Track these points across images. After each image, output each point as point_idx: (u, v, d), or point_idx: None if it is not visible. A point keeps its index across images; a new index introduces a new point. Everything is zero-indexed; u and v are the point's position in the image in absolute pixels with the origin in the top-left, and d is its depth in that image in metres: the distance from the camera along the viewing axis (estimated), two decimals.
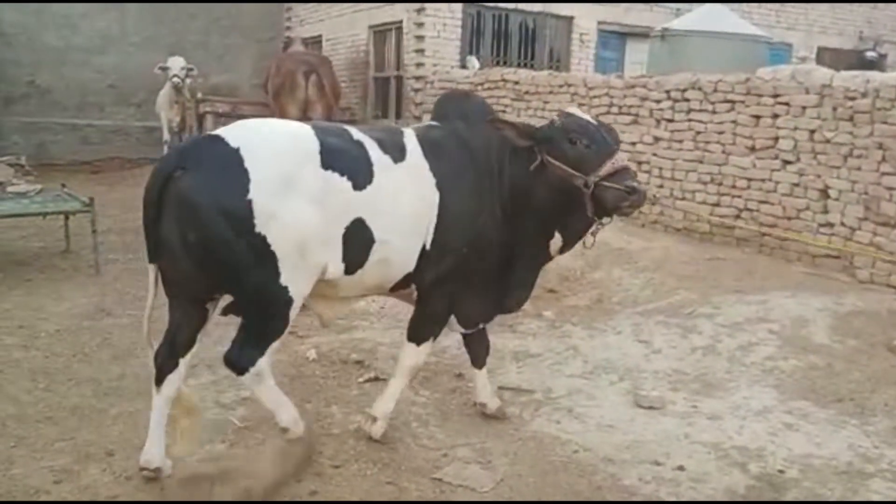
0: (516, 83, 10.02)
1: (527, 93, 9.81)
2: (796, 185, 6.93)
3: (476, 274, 3.87)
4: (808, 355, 5.11)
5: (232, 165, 3.23)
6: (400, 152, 3.68)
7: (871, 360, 5.07)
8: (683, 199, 7.89)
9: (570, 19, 13.11)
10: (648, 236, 7.88)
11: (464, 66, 11.99)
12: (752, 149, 7.29)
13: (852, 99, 6.30)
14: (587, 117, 3.79)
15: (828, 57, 15.49)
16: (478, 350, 4.31)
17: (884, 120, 6.14)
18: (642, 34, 12.35)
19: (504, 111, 10.14)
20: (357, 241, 3.49)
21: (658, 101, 8.09)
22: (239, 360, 3.41)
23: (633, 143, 8.32)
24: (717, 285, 6.44)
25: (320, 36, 15.11)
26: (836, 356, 5.11)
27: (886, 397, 4.55)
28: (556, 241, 3.91)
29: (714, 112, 7.53)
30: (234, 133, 3.37)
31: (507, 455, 3.84)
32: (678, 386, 4.77)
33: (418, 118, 11.98)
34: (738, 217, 7.42)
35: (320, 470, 3.60)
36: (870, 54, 15.65)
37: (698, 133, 7.70)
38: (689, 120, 7.79)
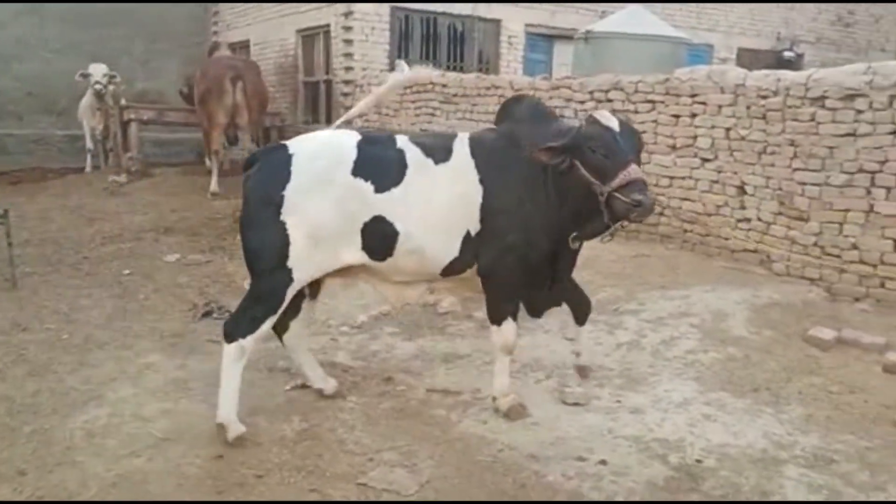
0: (445, 86, 10.07)
1: (455, 95, 9.87)
2: (715, 181, 7.12)
3: (531, 260, 4.22)
4: (727, 347, 5.26)
5: (281, 167, 4.08)
6: (445, 154, 4.23)
7: (787, 350, 5.24)
8: None
9: (498, 22, 13.23)
10: None
11: (393, 70, 11.98)
12: (673, 147, 7.46)
13: (765, 97, 6.50)
14: (611, 123, 3.96)
15: (747, 57, 15.97)
16: (578, 309, 4.68)
17: (794, 117, 6.36)
18: (569, 36, 12.53)
19: (433, 114, 10.20)
20: (377, 234, 4.11)
21: (582, 102, 8.22)
22: (233, 329, 4.06)
23: None
24: (642, 282, 6.58)
25: (248, 40, 14.94)
26: (753, 347, 5.26)
27: (800, 386, 4.71)
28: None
29: (636, 112, 7.68)
30: (296, 142, 4.27)
31: (433, 457, 3.85)
32: (603, 382, 4.85)
33: (348, 122, 11.93)
34: (661, 214, 7.59)
35: (242, 480, 3.56)
36: (787, 54, 16.20)
37: None
38: None
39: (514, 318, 4.38)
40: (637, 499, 3.53)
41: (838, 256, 6.14)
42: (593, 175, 3.89)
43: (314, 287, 4.47)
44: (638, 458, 3.86)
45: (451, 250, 4.20)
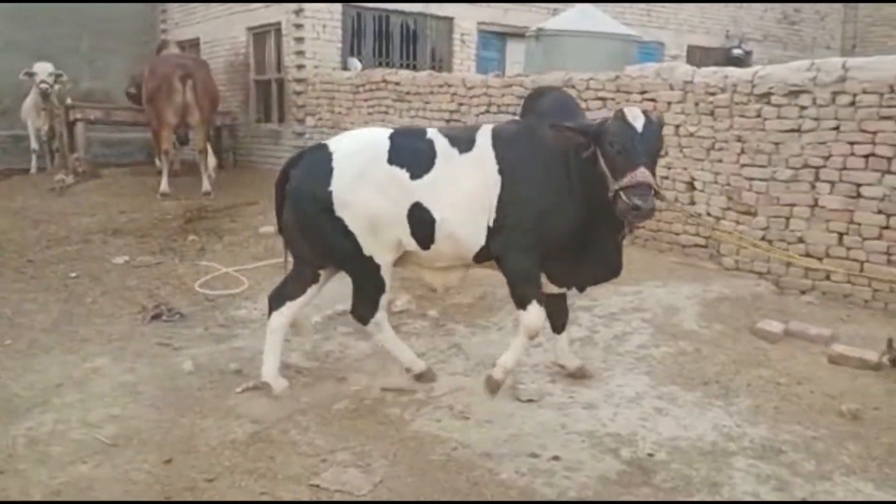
0: (398, 84, 10.03)
1: (408, 93, 9.84)
2: (665, 177, 7.20)
3: (553, 245, 4.34)
4: (678, 341, 5.32)
5: (324, 165, 4.42)
6: (468, 144, 4.43)
7: (736, 343, 5.33)
8: None
9: (451, 20, 13.22)
10: None
11: (346, 68, 11.92)
12: None
13: (712, 94, 6.60)
14: (636, 122, 3.98)
15: (697, 54, 16.20)
16: (557, 317, 4.82)
17: (741, 114, 6.46)
18: (521, 34, 12.56)
19: (386, 112, 10.16)
20: (419, 221, 4.38)
21: None
22: (360, 314, 4.65)
23: None
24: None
25: (198, 38, 14.70)
26: (703, 341, 5.34)
27: (749, 378, 4.78)
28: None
29: (587, 109, 7.69)
30: (334, 140, 4.63)
31: (386, 457, 3.83)
32: (556, 378, 4.87)
33: (301, 120, 11.84)
34: None
35: (192, 484, 3.51)
36: (736, 51, 16.47)
37: None
38: None
39: (540, 303, 4.42)
40: (590, 493, 3.54)
41: (785, 250, 6.26)
42: (609, 169, 4.00)
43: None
44: (591, 453, 3.88)
45: (480, 238, 4.39)
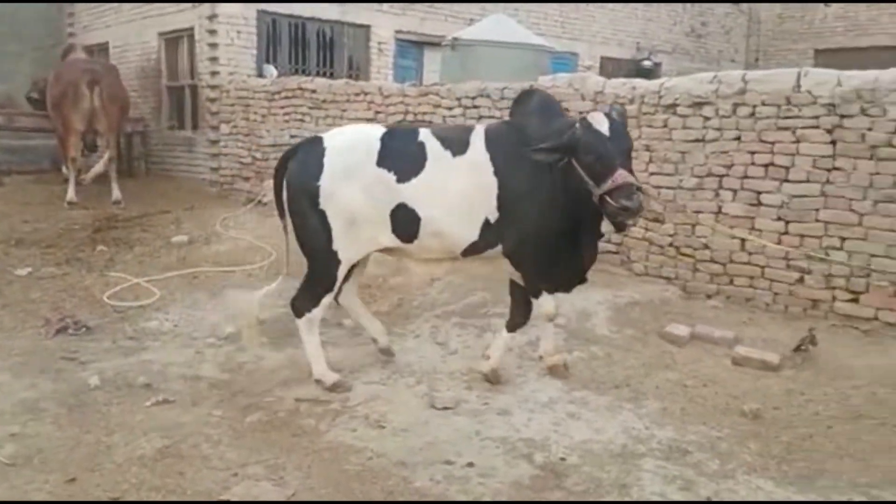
0: (314, 92, 9.95)
1: (324, 101, 9.78)
2: None
3: (550, 241, 4.60)
4: (591, 346, 5.43)
5: (317, 158, 4.65)
6: (462, 147, 4.65)
7: (646, 347, 5.47)
8: None
9: (368, 28, 13.19)
10: None
11: (261, 75, 11.76)
12: None
13: (622, 104, 6.75)
14: (602, 127, 4.26)
15: (610, 65, 16.61)
16: (517, 316, 5.01)
17: (649, 124, 6.65)
18: (438, 43, 12.65)
19: (302, 120, 10.07)
20: (402, 219, 4.62)
21: (450, 108, 8.31)
22: (298, 305, 4.86)
23: None
24: (507, 284, 6.69)
25: (107, 43, 14.26)
26: (614, 346, 5.46)
27: (657, 381, 4.91)
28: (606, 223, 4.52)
29: (503, 119, 7.82)
30: (329, 135, 4.86)
31: (300, 469, 3.79)
32: (472, 385, 4.91)
33: (215, 128, 11.63)
34: None
35: None
36: (646, 63, 16.95)
37: None
38: None
39: (550, 291, 4.81)
40: (503, 499, 3.58)
41: (692, 256, 6.46)
42: (588, 176, 4.24)
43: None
44: (504, 459, 3.93)
45: (471, 234, 4.65)
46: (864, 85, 5.46)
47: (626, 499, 3.57)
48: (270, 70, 11.80)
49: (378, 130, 4.80)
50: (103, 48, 14.28)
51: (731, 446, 4.07)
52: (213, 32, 11.56)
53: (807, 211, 5.78)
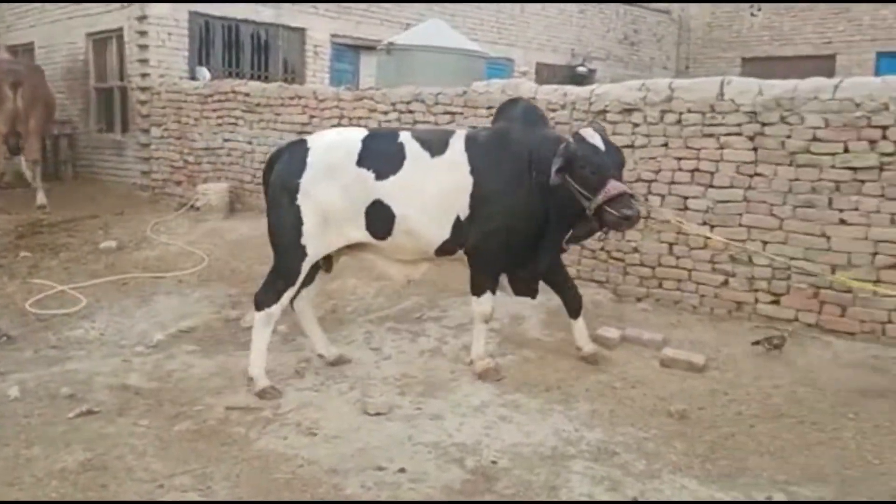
0: (247, 95, 9.83)
1: (258, 105, 9.67)
2: None
3: (514, 244, 4.86)
4: (523, 350, 5.49)
5: (300, 158, 4.88)
6: (441, 148, 4.88)
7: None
8: None
9: (303, 31, 13.08)
10: None
11: (193, 77, 11.56)
12: None
13: (554, 110, 6.86)
14: (595, 141, 4.55)
15: (545, 71, 16.82)
16: (572, 303, 5.33)
17: None
18: (374, 47, 12.64)
19: (236, 124, 9.94)
20: (377, 216, 4.83)
21: (385, 113, 8.30)
22: (261, 299, 4.92)
23: None
24: (444, 289, 6.72)
25: (32, 43, 13.83)
26: (547, 349, 5.53)
27: (588, 383, 4.98)
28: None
29: (437, 123, 7.86)
30: (313, 137, 5.16)
31: (228, 478, 3.74)
32: (405, 390, 4.91)
33: (146, 131, 11.39)
34: None
35: None
36: (580, 69, 17.21)
37: None
38: None
39: (493, 292, 5.05)
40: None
41: (622, 260, 6.58)
42: (582, 188, 4.49)
43: (328, 261, 5.27)
44: (436, 464, 3.94)
45: (443, 233, 4.87)
46: (784, 94, 5.64)
47: (555, 500, 3.62)
48: (203, 72, 11.62)
49: (360, 132, 5.06)
50: (28, 48, 13.85)
51: (658, 446, 4.15)
52: (143, 34, 11.32)
53: (731, 215, 5.94)
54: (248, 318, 6.27)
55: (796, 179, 5.63)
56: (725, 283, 6.00)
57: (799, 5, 18.12)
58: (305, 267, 4.91)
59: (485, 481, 3.78)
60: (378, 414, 4.52)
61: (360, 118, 8.55)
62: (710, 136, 5.98)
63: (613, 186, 4.39)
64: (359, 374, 5.18)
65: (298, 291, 5.12)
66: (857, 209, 5.38)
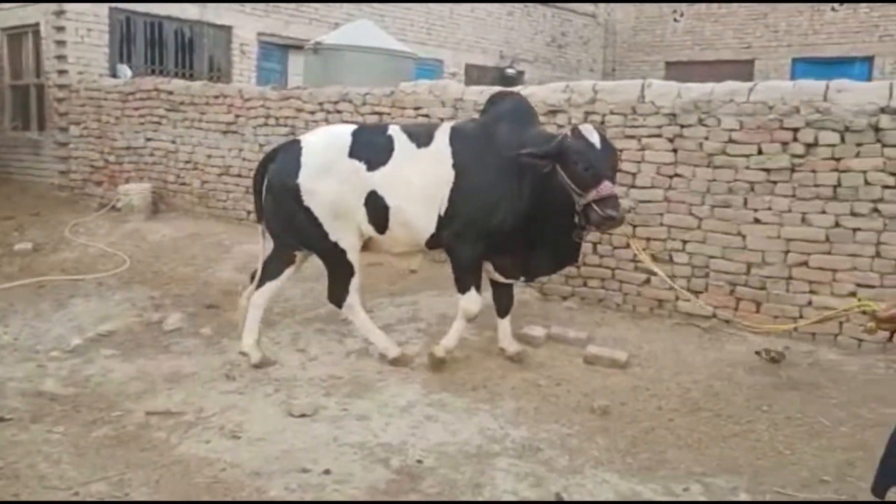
0: (171, 93, 9.63)
1: (182, 103, 9.47)
2: None
3: (498, 237, 4.84)
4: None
5: (294, 158, 5.05)
6: (427, 140, 4.96)
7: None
8: None
9: (230, 29, 12.88)
10: None
11: (115, 75, 11.26)
12: None
13: (480, 112, 6.89)
14: (594, 139, 4.49)
15: (475, 73, 16.93)
16: (502, 302, 5.32)
17: None
18: (303, 47, 12.52)
19: (159, 123, 9.72)
20: (374, 208, 4.96)
21: (313, 113, 8.24)
22: (334, 298, 5.27)
23: None
24: (373, 289, 6.70)
25: None
26: (474, 348, 5.56)
27: (514, 382, 5.03)
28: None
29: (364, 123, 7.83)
30: (306, 136, 5.31)
31: (147, 484, 3.66)
32: (332, 391, 4.88)
33: (64, 129, 11.04)
34: None
35: None
36: (509, 71, 17.39)
37: None
38: None
39: (478, 290, 5.03)
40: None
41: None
42: (574, 184, 4.46)
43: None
44: (361, 465, 3.93)
45: (431, 226, 4.94)
46: (701, 97, 5.81)
47: (479, 498, 3.65)
48: (125, 70, 11.33)
49: (349, 127, 5.22)
50: None
51: (581, 442, 4.22)
52: (60, 29, 10.98)
53: (652, 215, 6.08)
54: (170, 320, 6.15)
55: (713, 180, 5.80)
56: (647, 281, 6.14)
57: (719, 11, 18.66)
58: (353, 256, 5.12)
59: (410, 481, 3.79)
60: (303, 415, 4.48)
61: (286, 118, 8.47)
62: (632, 137, 6.11)
63: (606, 187, 4.39)
64: (285, 375, 5.13)
65: (262, 283, 5.35)
66: (770, 209, 5.57)
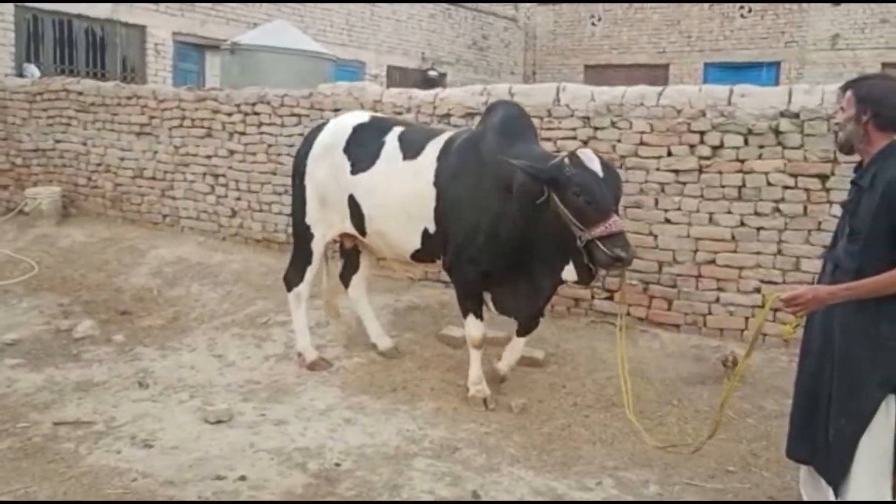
0: (81, 94, 9.31)
1: (93, 104, 9.18)
2: None
3: (483, 266, 4.40)
4: (370, 351, 5.50)
5: (312, 139, 5.11)
6: (417, 151, 4.64)
7: (424, 349, 5.60)
8: (261, 210, 8.01)
9: (143, 28, 12.59)
10: (229, 249, 7.86)
11: (21, 75, 10.86)
12: None
13: (400, 114, 6.92)
14: (595, 166, 3.91)
15: (397, 75, 16.96)
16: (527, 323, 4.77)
17: None
18: (220, 47, 12.32)
19: (68, 124, 9.41)
20: (354, 211, 4.89)
21: (230, 115, 8.10)
22: (287, 280, 5.29)
23: (209, 157, 8.24)
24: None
25: None
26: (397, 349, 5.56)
27: (433, 382, 5.06)
28: (570, 270, 4.21)
29: (283, 125, 7.76)
30: (333, 119, 5.36)
31: (54, 497, 3.55)
32: (249, 396, 4.83)
33: None
34: None
35: None
36: (431, 73, 17.48)
37: (270, 146, 7.87)
38: (261, 133, 7.92)
39: (477, 315, 4.62)
40: None
41: None
42: (576, 218, 3.88)
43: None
44: (278, 470, 3.89)
45: (413, 242, 4.72)
46: (613, 100, 5.95)
47: (397, 499, 3.66)
48: (32, 70, 10.95)
49: (356, 119, 5.09)
50: None
51: (498, 440, 4.28)
52: None
53: None
54: (80, 328, 5.97)
55: (626, 181, 5.89)
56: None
57: (635, 16, 19.14)
58: (316, 247, 5.11)
59: (327, 484, 3.78)
60: (219, 422, 4.41)
61: (203, 119, 8.30)
62: (548, 139, 6.21)
63: (616, 224, 3.82)
64: (200, 381, 5.05)
65: (349, 279, 5.47)
66: (679, 209, 5.74)
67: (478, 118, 6.51)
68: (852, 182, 3.13)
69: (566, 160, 3.99)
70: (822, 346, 3.13)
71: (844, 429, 2.99)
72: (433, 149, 4.62)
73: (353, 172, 4.85)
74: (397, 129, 4.90)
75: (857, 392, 2.96)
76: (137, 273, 7.27)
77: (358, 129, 4.95)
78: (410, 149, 4.69)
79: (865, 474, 2.95)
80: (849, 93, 3.07)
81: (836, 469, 3.05)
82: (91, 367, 5.32)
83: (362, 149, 4.86)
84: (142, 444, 4.14)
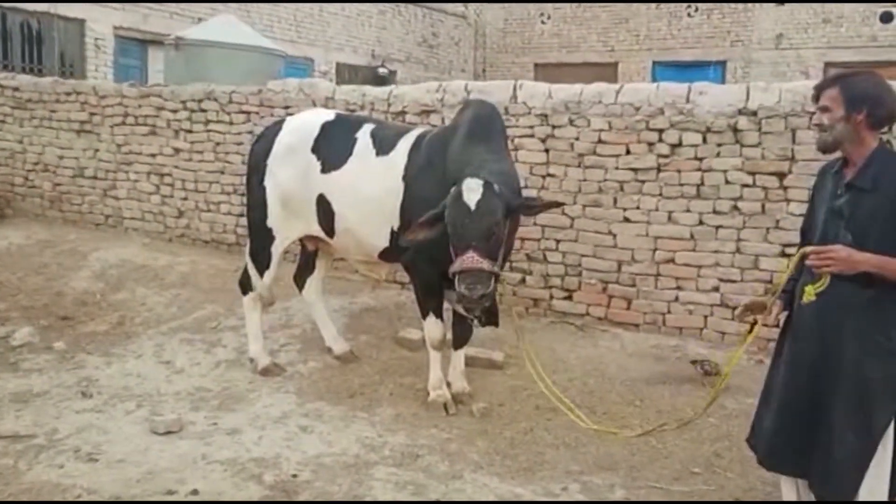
0: (16, 90, 8.93)
1: (29, 101, 8.81)
2: None
3: (441, 263, 4.07)
4: (326, 355, 5.34)
5: (271, 138, 4.88)
6: (389, 147, 4.54)
7: (381, 352, 5.47)
8: (209, 210, 7.77)
9: (82, 22, 12.16)
10: (176, 251, 7.61)
11: None
12: None
13: (353, 110, 6.76)
14: (471, 198, 3.76)
15: (347, 72, 16.75)
16: (456, 332, 4.72)
17: None
18: (163, 42, 11.97)
19: (3, 121, 9.02)
20: (323, 210, 4.71)
21: (175, 112, 7.85)
22: (245, 283, 5.12)
23: (154, 155, 7.97)
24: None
25: None
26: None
27: (392, 387, 4.92)
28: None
29: (231, 123, 7.54)
30: (291, 117, 5.17)
31: None
32: (200, 404, 4.64)
33: None
34: None
35: None
36: (381, 70, 17.30)
37: (218, 144, 7.64)
38: (208, 131, 7.68)
39: (437, 315, 4.50)
40: None
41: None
42: (452, 248, 3.87)
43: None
44: (232, 482, 3.73)
45: (381, 239, 4.57)
46: (571, 98, 5.88)
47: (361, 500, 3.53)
48: None
49: (323, 117, 4.91)
50: None
51: (461, 446, 4.16)
52: None
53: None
54: (18, 335, 5.69)
55: (585, 180, 5.88)
56: (523, 280, 6.17)
57: (584, 15, 19.23)
58: (276, 251, 4.95)
59: (285, 496, 3.63)
60: (168, 433, 4.23)
61: (146, 116, 8.03)
62: (506, 137, 6.12)
63: (470, 259, 3.70)
64: (147, 390, 4.84)
65: (303, 281, 5.31)
66: (638, 207, 5.71)
67: (433, 115, 6.44)
68: (847, 184, 2.84)
69: (462, 184, 3.85)
70: (818, 357, 2.88)
71: (853, 444, 2.77)
72: (405, 144, 4.54)
73: (324, 171, 4.67)
74: (369, 126, 4.77)
75: (868, 405, 2.77)
76: (79, 276, 6.98)
77: (327, 127, 4.76)
78: (384, 145, 4.59)
79: (868, 493, 2.79)
80: (834, 92, 2.84)
81: (846, 485, 2.80)
82: (30, 377, 5.06)
83: (333, 146, 4.69)
84: (86, 457, 3.94)
